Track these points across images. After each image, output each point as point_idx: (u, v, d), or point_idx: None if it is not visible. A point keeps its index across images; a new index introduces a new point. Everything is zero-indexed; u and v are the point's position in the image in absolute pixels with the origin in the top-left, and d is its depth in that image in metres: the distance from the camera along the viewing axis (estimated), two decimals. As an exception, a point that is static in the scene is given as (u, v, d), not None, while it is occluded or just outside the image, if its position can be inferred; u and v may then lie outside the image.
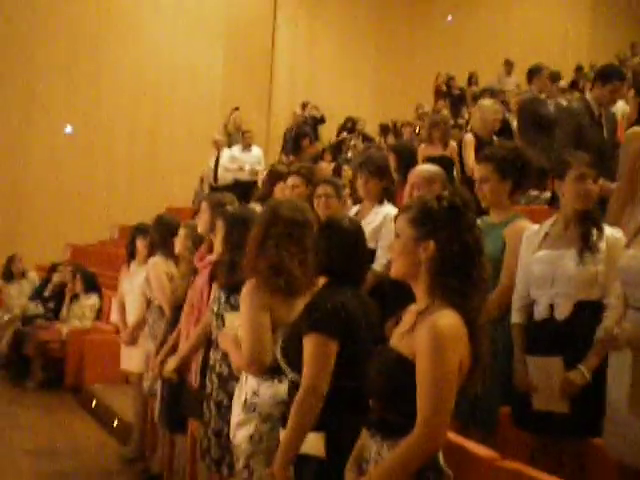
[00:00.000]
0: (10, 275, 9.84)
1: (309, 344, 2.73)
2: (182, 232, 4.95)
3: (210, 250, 4.21)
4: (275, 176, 5.72)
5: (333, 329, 2.72)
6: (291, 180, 5.08)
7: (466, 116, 11.10)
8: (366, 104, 14.13)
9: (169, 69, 13.27)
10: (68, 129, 12.68)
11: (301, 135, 11.64)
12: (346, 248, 2.89)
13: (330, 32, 14.99)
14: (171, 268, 5.18)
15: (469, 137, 6.43)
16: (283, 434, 2.79)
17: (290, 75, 14.61)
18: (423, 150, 6.70)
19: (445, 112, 11.17)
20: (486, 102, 6.95)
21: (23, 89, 12.31)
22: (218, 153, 10.65)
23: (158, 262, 5.26)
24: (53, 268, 9.86)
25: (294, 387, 2.79)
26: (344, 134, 12.06)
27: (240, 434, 3.14)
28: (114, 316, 7.90)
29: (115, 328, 7.59)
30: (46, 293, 9.26)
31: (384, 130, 11.74)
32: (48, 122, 12.52)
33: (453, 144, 6.74)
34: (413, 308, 2.42)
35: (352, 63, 14.93)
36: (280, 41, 14.65)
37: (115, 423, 6.50)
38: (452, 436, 3.01)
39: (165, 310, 5.04)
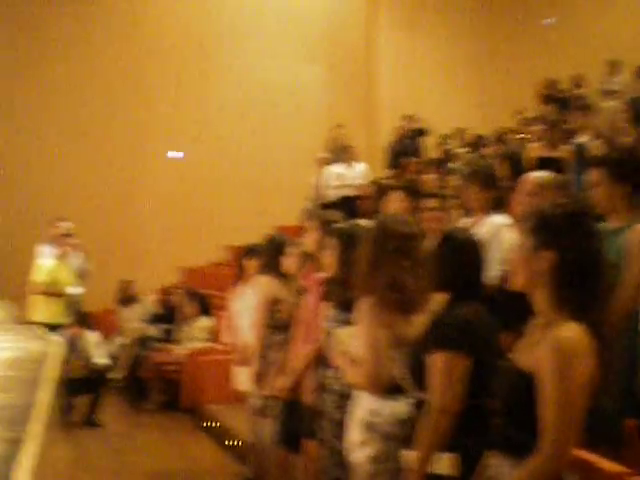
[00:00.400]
0: (126, 299, 10.13)
1: (438, 362, 2.67)
2: (291, 251, 4.97)
3: (318, 268, 4.19)
4: (380, 191, 5.70)
5: (463, 346, 2.66)
6: (396, 194, 5.03)
7: (574, 119, 10.76)
8: (469, 113, 13.91)
9: (272, 88, 13.43)
10: (176, 154, 12.99)
11: (404, 148, 11.52)
12: (468, 262, 2.81)
13: (430, 44, 14.88)
14: (279, 288, 5.19)
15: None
16: (409, 454, 2.73)
17: (391, 89, 14.53)
18: (534, 150, 6.54)
19: (553, 116, 10.89)
20: (610, 104, 6.73)
21: (133, 115, 12.70)
22: (322, 171, 10.68)
23: (265, 282, 5.28)
24: (166, 291, 10.10)
25: (419, 406, 2.73)
26: (448, 145, 11.90)
27: (360, 454, 3.09)
28: (226, 337, 8.03)
29: (228, 349, 7.68)
30: (160, 316, 9.49)
31: (488, 139, 11.53)
32: (157, 147, 12.86)
33: (566, 147, 6.56)
34: (534, 321, 2.33)
35: (453, 73, 14.77)
36: (380, 55, 14.62)
37: (231, 443, 6.55)
38: (578, 451, 2.88)
39: (256, 331, 5.08)
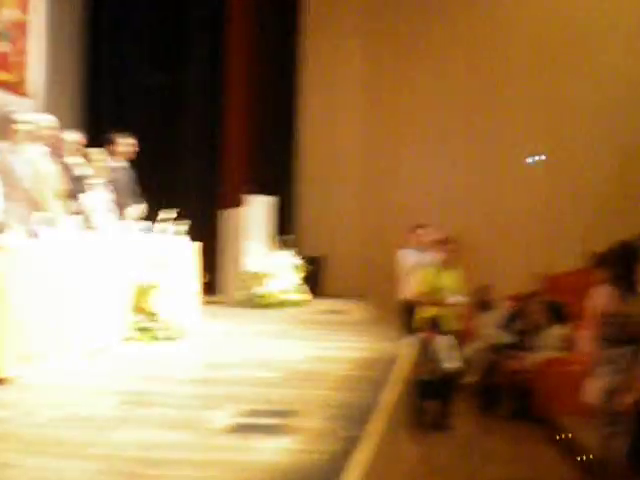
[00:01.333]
0: (482, 304, 10.21)
1: None
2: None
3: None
4: None
5: None
6: None
7: None
8: None
9: (635, 87, 12.65)
10: (535, 159, 12.81)
11: None
12: None
13: None
14: (617, 299, 4.94)
15: None
16: None
17: None
18: None
19: None
20: None
21: (490, 121, 12.79)
22: None
23: (601, 293, 5.06)
24: (522, 298, 10.00)
25: None
26: None
27: None
28: (581, 347, 7.75)
29: (583, 359, 7.41)
30: (515, 323, 9.41)
31: None
32: (515, 153, 12.80)
33: None
34: None
35: None
36: None
37: (582, 457, 6.31)
38: None
39: (589, 343, 4.83)
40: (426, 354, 7.57)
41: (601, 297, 5.11)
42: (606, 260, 5.66)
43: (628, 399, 4.27)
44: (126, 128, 8.60)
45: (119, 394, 4.41)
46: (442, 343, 7.84)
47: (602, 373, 5.33)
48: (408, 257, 8.67)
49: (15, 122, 5.98)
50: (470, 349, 9.63)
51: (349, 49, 13.19)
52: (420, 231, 8.72)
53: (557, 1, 12.89)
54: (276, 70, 12.38)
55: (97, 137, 7.92)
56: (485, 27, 12.93)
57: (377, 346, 6.67)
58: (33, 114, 6.60)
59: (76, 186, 6.97)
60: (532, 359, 8.44)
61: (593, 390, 5.70)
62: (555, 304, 8.75)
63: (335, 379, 5.16)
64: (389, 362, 5.96)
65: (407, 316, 8.17)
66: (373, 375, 5.41)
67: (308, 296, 10.15)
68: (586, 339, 6.11)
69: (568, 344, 8.46)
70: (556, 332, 8.53)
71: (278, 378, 5.10)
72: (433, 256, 8.25)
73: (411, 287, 8.24)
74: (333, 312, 9.43)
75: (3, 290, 4.45)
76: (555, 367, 8.08)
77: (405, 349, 6.64)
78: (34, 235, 5.19)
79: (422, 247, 8.60)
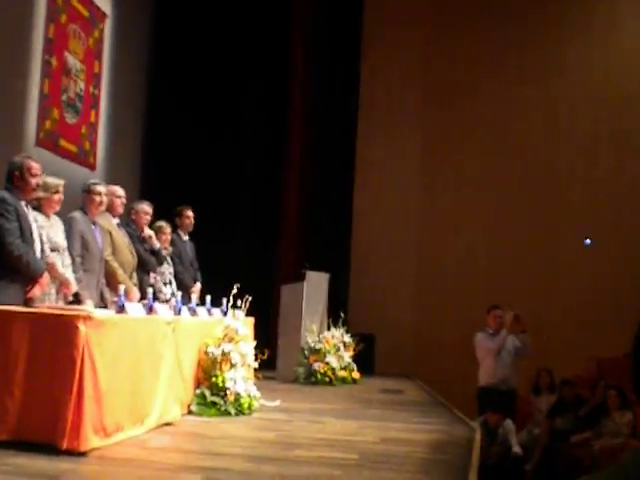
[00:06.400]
0: (539, 388, 10.01)
1: None
2: None
3: None
4: None
5: None
6: None
7: None
8: None
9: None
10: (588, 241, 12.73)
11: None
12: None
13: None
14: None
15: None
16: None
17: None
18: None
19: None
20: None
21: (547, 200, 12.82)
22: None
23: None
24: (573, 382, 9.79)
25: None
26: None
27: None
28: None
29: (652, 448, 7.22)
30: (577, 408, 9.20)
31: None
32: (571, 231, 12.75)
33: None
34: None
35: None
36: None
37: None
38: None
39: None
40: (493, 438, 7.42)
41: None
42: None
43: None
44: (186, 202, 8.73)
45: (202, 471, 4.34)
46: (510, 427, 7.70)
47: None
48: (484, 341, 8.56)
49: (94, 193, 6.08)
50: (528, 434, 9.41)
51: (405, 134, 13.37)
52: (498, 312, 8.62)
53: (610, 78, 12.97)
54: (334, 151, 12.57)
55: (157, 208, 8.00)
56: (546, 102, 13.04)
57: (446, 428, 6.55)
58: (106, 185, 6.71)
59: (148, 258, 7.03)
60: (599, 445, 8.21)
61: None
62: (621, 389, 8.56)
63: (413, 462, 5.05)
64: (461, 446, 5.84)
65: (483, 399, 8.08)
66: (449, 459, 5.29)
67: (360, 374, 10.07)
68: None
69: (633, 430, 8.25)
70: (622, 418, 8.32)
71: (354, 460, 4.99)
72: (511, 339, 8.24)
73: (488, 372, 8.21)
74: (389, 391, 9.33)
75: (93, 361, 4.45)
76: (623, 453, 7.83)
77: (474, 432, 6.51)
78: (118, 307, 5.21)
79: (499, 329, 8.54)
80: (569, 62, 13.07)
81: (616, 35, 13.01)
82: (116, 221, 6.74)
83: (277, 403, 7.27)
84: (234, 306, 7.19)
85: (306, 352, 9.58)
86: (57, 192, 5.60)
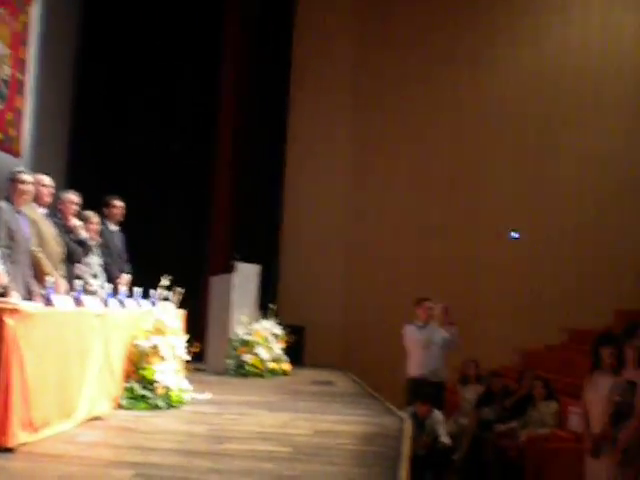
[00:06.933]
0: (466, 379, 10.15)
1: None
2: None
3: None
4: None
5: None
6: None
7: None
8: None
9: (610, 167, 12.99)
10: (514, 234, 12.95)
11: None
12: None
13: None
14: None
15: None
16: None
17: None
18: None
19: None
20: None
21: (471, 193, 13.01)
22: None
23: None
24: (499, 373, 9.97)
25: None
26: None
27: None
28: (574, 424, 7.75)
29: (575, 437, 7.42)
30: (503, 398, 9.36)
31: None
32: (496, 226, 12.95)
33: None
34: None
35: None
36: None
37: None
38: None
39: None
40: (422, 429, 7.50)
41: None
42: (611, 340, 5.72)
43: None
44: (114, 191, 8.58)
45: (133, 466, 4.27)
46: (438, 418, 7.80)
47: (608, 452, 5.34)
48: (413, 333, 8.63)
49: (19, 182, 5.89)
50: (455, 424, 9.53)
51: (334, 123, 13.38)
52: (428, 304, 8.68)
53: (540, 78, 13.20)
54: (264, 141, 12.52)
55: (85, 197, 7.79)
56: (470, 99, 13.21)
57: (377, 419, 6.60)
58: (33, 174, 6.52)
59: (74, 249, 6.88)
60: (525, 435, 8.36)
61: (596, 470, 5.70)
62: (546, 380, 8.74)
63: (345, 454, 5.07)
64: (391, 437, 5.90)
65: (413, 391, 8.17)
66: (381, 450, 5.34)
67: (290, 366, 10.08)
68: (581, 417, 6.15)
69: (559, 420, 8.44)
70: (548, 408, 8.49)
71: (287, 452, 5.00)
72: (440, 331, 8.34)
73: (418, 363, 8.30)
74: (320, 383, 9.35)
75: (20, 355, 4.33)
76: (546, 444, 8.02)
77: (403, 423, 6.58)
78: (46, 300, 5.08)
79: (428, 321, 8.61)
80: (498, 61, 13.28)
81: (545, 32, 13.28)
82: (43, 211, 6.56)
83: (208, 396, 7.22)
84: (164, 298, 7.11)
85: (235, 344, 9.53)
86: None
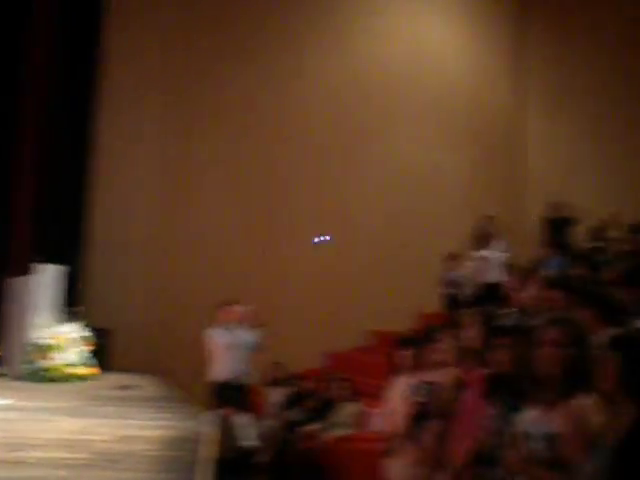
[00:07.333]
0: (274, 381, 10.26)
1: None
2: (446, 343, 4.97)
3: (480, 364, 4.17)
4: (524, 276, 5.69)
5: None
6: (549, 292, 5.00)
7: None
8: (623, 197, 13.49)
9: (414, 174, 13.60)
10: (321, 239, 13.25)
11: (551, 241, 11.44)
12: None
13: (576, 129, 14.74)
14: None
15: None
16: None
17: (538, 177, 14.42)
18: None
19: None
20: None
21: (269, 199, 13.18)
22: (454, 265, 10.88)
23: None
24: (309, 376, 10.17)
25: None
26: (600, 237, 11.60)
27: None
28: (375, 425, 7.99)
29: (376, 437, 7.64)
30: (307, 400, 9.53)
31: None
32: (305, 232, 13.20)
33: None
34: None
35: (605, 160, 14.49)
36: (527, 142, 14.62)
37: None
38: None
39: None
40: (228, 432, 7.51)
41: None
42: (410, 341, 5.96)
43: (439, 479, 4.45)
44: None
45: None
46: (240, 420, 7.83)
47: (406, 451, 5.54)
48: (218, 336, 8.59)
49: None
50: (261, 426, 9.60)
51: (142, 120, 13.08)
52: (234, 307, 8.67)
53: (351, 84, 13.61)
54: (69, 139, 12.03)
55: None
56: (270, 107, 13.36)
57: (181, 424, 6.53)
58: None
59: None
60: (325, 437, 8.55)
61: (392, 467, 5.90)
62: (350, 381, 8.98)
63: (144, 460, 4.98)
64: (195, 441, 5.86)
65: (218, 395, 8.14)
66: (183, 455, 5.29)
67: (96, 370, 9.76)
68: (383, 417, 6.37)
69: (360, 421, 8.68)
70: (348, 409, 8.72)
71: (84, 459, 4.84)
72: (246, 334, 8.35)
73: (223, 366, 8.27)
74: (124, 387, 9.11)
75: None
76: (348, 444, 8.23)
77: (208, 427, 6.55)
78: None
79: (232, 325, 8.60)
80: (306, 67, 13.55)
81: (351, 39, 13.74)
82: None
83: (9, 402, 6.87)
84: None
85: (32, 348, 9.11)
86: None
